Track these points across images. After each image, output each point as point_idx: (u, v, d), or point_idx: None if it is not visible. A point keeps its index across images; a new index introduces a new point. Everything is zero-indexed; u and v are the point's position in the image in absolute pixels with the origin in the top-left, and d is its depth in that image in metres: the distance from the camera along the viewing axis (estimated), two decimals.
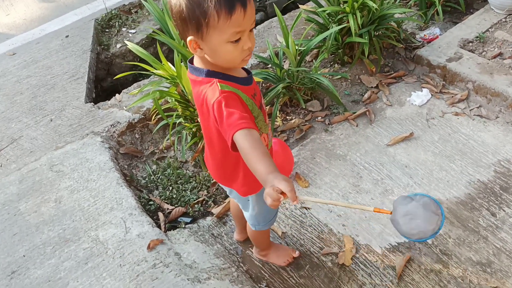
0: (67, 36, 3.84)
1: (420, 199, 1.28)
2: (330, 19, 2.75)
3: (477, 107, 2.59)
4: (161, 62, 2.37)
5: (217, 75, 1.33)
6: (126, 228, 2.15)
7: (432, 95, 2.70)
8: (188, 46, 1.27)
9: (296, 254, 2.04)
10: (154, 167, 2.63)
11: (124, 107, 2.88)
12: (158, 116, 2.64)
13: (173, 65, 2.36)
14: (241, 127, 1.22)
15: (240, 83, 1.38)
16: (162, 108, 2.38)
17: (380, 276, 1.95)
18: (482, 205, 2.14)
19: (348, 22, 2.64)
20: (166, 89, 2.40)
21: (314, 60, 2.97)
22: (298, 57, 2.58)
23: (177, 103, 2.38)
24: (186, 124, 2.44)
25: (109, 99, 3.06)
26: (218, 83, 1.29)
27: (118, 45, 3.92)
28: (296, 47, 2.55)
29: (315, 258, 2.05)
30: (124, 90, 3.05)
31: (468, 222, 2.08)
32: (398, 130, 2.55)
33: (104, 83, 3.97)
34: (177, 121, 2.50)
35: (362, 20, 2.56)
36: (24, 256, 2.09)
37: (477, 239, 2.02)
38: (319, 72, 2.69)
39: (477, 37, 2.89)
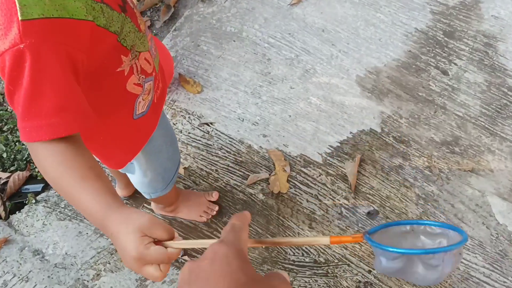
0: None
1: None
2: None
3: None
4: None
5: None
6: None
7: None
8: None
9: (214, 196, 1.43)
10: None
11: None
12: None
13: None
14: (50, 136, 0.59)
15: None
16: None
17: (331, 194, 1.44)
18: (429, 63, 1.64)
19: None
20: None
21: None
22: None
23: None
24: None
25: None
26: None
27: None
28: None
29: (240, 194, 1.46)
30: None
31: (417, 91, 1.59)
32: None
33: None
34: None
35: None
36: None
37: (434, 112, 1.56)
38: None
39: None
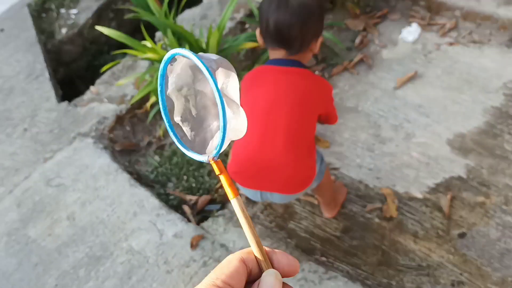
0: (2, 30, 3.41)
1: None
2: None
3: (469, 34, 2.60)
4: (140, 43, 2.15)
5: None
6: (159, 230, 2.00)
7: (421, 29, 2.67)
8: (314, 46, 1.57)
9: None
10: (157, 158, 2.44)
11: (105, 100, 2.62)
12: (149, 103, 2.43)
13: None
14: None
15: None
16: (146, 92, 2.21)
17: (430, 220, 1.97)
18: (503, 130, 2.19)
19: None
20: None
21: None
22: None
23: None
24: None
25: (79, 94, 2.78)
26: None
27: (63, 30, 3.53)
28: None
29: (361, 217, 2.02)
30: (98, 81, 2.76)
31: (495, 150, 2.13)
32: (400, 70, 2.52)
33: (57, 75, 3.61)
34: None
35: None
36: (56, 285, 1.90)
37: (508, 165, 2.07)
38: None
39: None
